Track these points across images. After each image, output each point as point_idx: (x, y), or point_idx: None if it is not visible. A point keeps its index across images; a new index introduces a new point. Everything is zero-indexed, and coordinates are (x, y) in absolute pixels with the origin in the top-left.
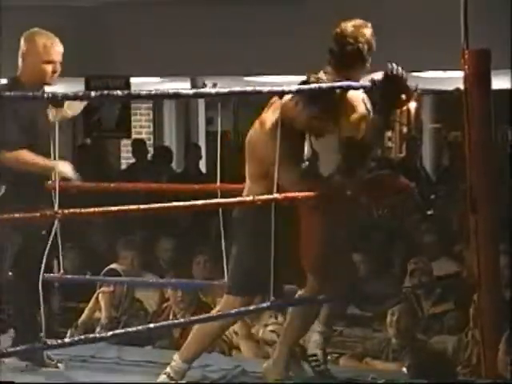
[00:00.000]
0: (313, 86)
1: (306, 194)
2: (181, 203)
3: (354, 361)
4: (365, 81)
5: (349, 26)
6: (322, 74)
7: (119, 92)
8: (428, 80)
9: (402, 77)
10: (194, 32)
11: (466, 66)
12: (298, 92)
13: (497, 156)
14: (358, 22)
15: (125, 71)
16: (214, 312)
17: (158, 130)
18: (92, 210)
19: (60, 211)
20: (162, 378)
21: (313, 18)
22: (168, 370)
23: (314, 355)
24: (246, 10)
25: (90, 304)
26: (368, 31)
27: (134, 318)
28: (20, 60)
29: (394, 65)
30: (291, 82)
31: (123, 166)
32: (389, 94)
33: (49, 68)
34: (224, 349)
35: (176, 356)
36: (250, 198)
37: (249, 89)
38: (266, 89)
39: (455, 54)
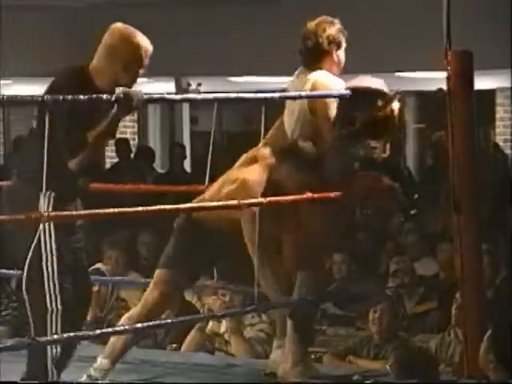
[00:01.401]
0: (294, 93)
1: (292, 197)
2: (167, 206)
3: (337, 359)
4: (351, 82)
5: (311, 23)
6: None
7: (108, 96)
8: (413, 80)
9: (370, 89)
10: (178, 32)
11: (449, 67)
12: (280, 98)
13: (480, 156)
14: (322, 18)
15: None
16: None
17: (143, 129)
18: (77, 212)
19: (45, 214)
20: (84, 378)
21: (293, 18)
22: (91, 370)
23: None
24: (231, 11)
25: None
26: (331, 27)
27: (119, 318)
28: (104, 55)
29: (359, 80)
30: (277, 82)
31: (107, 166)
32: (361, 104)
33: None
34: (208, 349)
35: (100, 355)
36: (235, 202)
37: (232, 95)
38: (248, 95)
39: (440, 54)
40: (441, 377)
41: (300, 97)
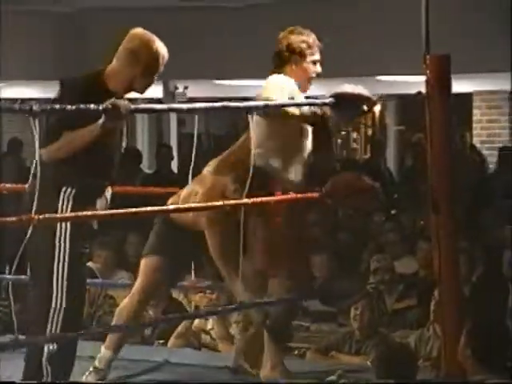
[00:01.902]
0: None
1: (276, 197)
2: (155, 208)
3: (319, 354)
4: (334, 89)
5: (282, 32)
6: None
7: (95, 106)
8: (393, 84)
9: (354, 95)
10: (166, 36)
11: (428, 71)
12: (265, 107)
13: (457, 157)
14: (293, 28)
15: None
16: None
17: (131, 130)
18: (68, 215)
19: (36, 216)
20: (90, 369)
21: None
22: (95, 361)
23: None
24: (218, 14)
25: None
26: (297, 36)
27: (107, 315)
28: (124, 58)
29: (341, 87)
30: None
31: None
32: (347, 110)
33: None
34: (195, 346)
35: (102, 346)
36: (220, 203)
37: (217, 104)
38: (234, 104)
39: (419, 58)
40: (419, 371)
41: (284, 105)
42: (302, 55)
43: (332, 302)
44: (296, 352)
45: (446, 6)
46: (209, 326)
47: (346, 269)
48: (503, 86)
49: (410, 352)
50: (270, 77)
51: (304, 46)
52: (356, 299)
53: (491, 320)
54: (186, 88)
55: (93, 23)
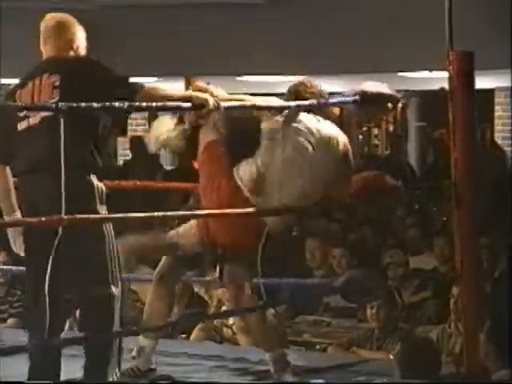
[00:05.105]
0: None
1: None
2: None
3: (341, 350)
4: (357, 88)
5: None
6: None
7: (120, 104)
8: (414, 80)
9: (378, 93)
10: (188, 33)
11: (451, 67)
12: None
13: (479, 153)
14: (302, 81)
15: (122, 72)
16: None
17: None
18: (98, 216)
19: (66, 217)
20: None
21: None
22: (134, 352)
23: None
24: (238, 11)
25: None
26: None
27: (131, 309)
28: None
29: (365, 85)
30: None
31: (120, 163)
32: (371, 108)
33: None
34: (216, 340)
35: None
36: (252, 209)
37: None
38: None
39: (442, 54)
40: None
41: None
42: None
43: (354, 298)
44: (317, 347)
45: (470, 0)
46: (230, 321)
47: (368, 264)
48: None
49: (434, 347)
50: None
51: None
52: (378, 295)
53: None
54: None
55: (112, 20)
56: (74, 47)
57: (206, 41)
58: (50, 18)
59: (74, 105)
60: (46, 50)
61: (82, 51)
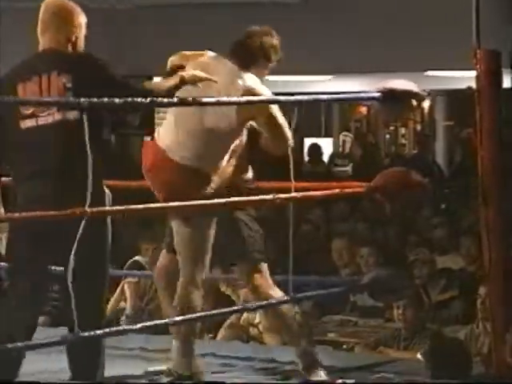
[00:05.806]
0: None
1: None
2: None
3: (368, 349)
4: (381, 85)
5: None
6: None
7: (142, 100)
8: (442, 79)
9: (403, 90)
10: (199, 33)
11: (478, 66)
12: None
13: (506, 152)
14: (266, 29)
15: (141, 71)
16: None
17: None
18: (121, 208)
19: (89, 210)
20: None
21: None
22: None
23: None
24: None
25: (116, 295)
26: (268, 38)
27: (159, 308)
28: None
29: (390, 82)
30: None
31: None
32: (396, 105)
33: None
34: (242, 339)
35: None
36: (270, 196)
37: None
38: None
39: (469, 53)
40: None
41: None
42: (268, 60)
43: (380, 296)
44: (344, 346)
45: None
46: (256, 320)
47: (395, 264)
48: None
49: (464, 346)
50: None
51: (272, 50)
52: (404, 294)
53: None
54: None
55: (128, 20)
56: (73, 39)
57: (206, 40)
58: (51, 4)
59: (96, 100)
60: (45, 40)
61: (81, 42)
